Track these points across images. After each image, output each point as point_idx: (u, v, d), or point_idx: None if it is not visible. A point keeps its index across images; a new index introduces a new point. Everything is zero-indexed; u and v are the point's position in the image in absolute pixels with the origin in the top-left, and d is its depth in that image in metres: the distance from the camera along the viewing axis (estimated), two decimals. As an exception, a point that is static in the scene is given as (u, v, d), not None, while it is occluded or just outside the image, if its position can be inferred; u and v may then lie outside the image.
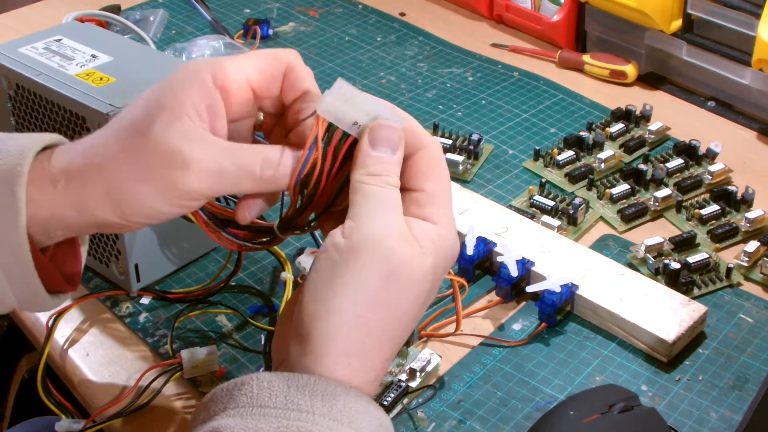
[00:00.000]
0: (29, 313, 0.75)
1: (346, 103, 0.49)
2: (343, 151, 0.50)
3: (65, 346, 0.71)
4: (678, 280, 0.74)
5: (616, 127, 0.94)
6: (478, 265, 0.76)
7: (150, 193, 0.48)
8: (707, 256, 0.77)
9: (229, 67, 0.50)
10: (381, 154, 0.49)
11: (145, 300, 0.75)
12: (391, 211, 0.48)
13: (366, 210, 0.48)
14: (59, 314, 0.71)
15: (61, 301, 0.54)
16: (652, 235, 0.79)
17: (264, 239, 0.56)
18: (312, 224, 0.54)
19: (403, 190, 0.50)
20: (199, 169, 0.48)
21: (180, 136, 0.48)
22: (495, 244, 0.76)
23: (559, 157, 0.89)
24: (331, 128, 0.50)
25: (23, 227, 0.49)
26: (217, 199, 0.61)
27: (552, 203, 0.83)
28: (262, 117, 0.55)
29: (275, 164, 0.49)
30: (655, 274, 0.76)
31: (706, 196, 0.85)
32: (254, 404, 0.44)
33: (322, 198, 0.51)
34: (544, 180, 0.86)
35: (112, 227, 0.51)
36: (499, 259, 0.74)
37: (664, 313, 0.70)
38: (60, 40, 0.76)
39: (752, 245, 0.77)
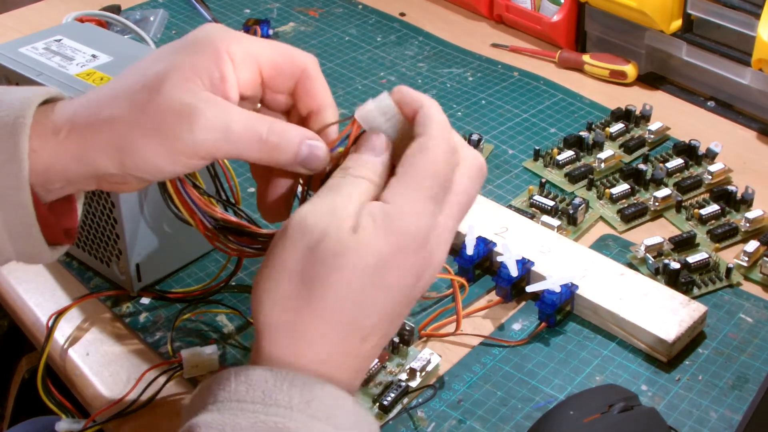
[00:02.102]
0: (29, 312, 0.75)
1: (384, 118, 0.49)
2: None
3: (65, 346, 0.71)
4: (678, 280, 0.75)
5: (616, 127, 0.94)
6: (478, 265, 0.77)
7: (154, 147, 0.48)
8: (707, 256, 0.77)
9: (244, 45, 0.50)
10: (362, 155, 0.49)
11: (146, 300, 0.75)
12: (335, 194, 0.47)
13: (314, 197, 0.47)
14: (59, 314, 0.71)
15: (59, 253, 0.53)
16: (652, 235, 0.79)
17: (259, 246, 0.56)
18: None
19: None
20: (206, 123, 0.47)
21: (190, 93, 0.47)
22: (495, 244, 0.76)
23: (559, 157, 0.90)
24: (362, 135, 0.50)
25: (26, 179, 0.48)
26: (218, 200, 0.61)
27: (552, 203, 0.83)
28: (259, 107, 0.54)
29: (281, 132, 0.49)
30: (655, 274, 0.76)
31: (706, 196, 0.86)
32: (232, 399, 0.44)
33: None
34: (544, 180, 0.86)
35: (111, 180, 0.50)
36: (499, 259, 0.74)
37: (664, 313, 0.70)
38: (60, 40, 0.76)
39: (752, 245, 0.78)
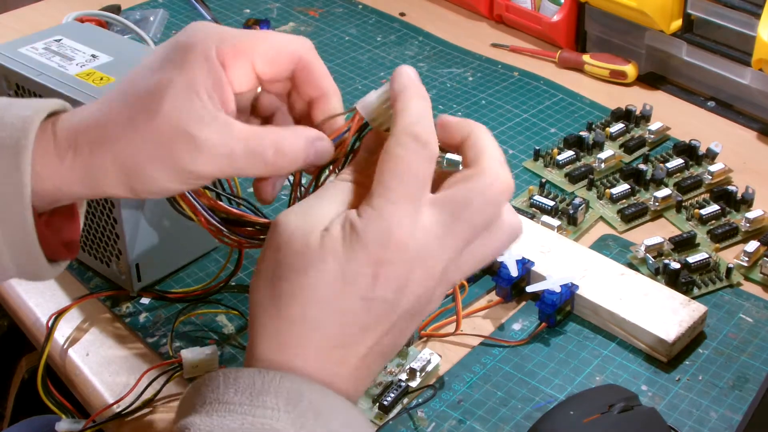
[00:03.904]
0: (29, 312, 0.75)
1: (385, 107, 0.49)
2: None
3: (65, 346, 0.71)
4: (678, 280, 0.74)
5: (616, 127, 0.94)
6: (478, 265, 0.76)
7: (160, 171, 0.48)
8: (707, 256, 0.77)
9: (233, 44, 0.49)
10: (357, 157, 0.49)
11: (145, 300, 0.75)
12: (316, 196, 0.47)
13: (304, 199, 0.48)
14: (59, 314, 0.71)
15: (61, 269, 0.53)
16: (652, 235, 0.79)
17: (264, 236, 0.56)
18: None
19: None
20: (210, 152, 0.47)
21: (190, 116, 0.47)
22: (495, 244, 0.76)
23: (559, 157, 0.89)
24: (364, 126, 0.50)
25: (28, 201, 0.48)
26: (219, 198, 0.61)
27: (552, 203, 0.83)
28: (260, 90, 0.54)
29: (287, 149, 0.49)
30: (655, 274, 0.76)
31: (706, 196, 0.86)
32: (220, 400, 0.44)
33: None
34: (544, 180, 0.86)
35: (121, 197, 0.50)
36: (499, 259, 0.74)
37: (664, 313, 0.70)
38: (60, 40, 0.76)
39: (752, 245, 0.77)
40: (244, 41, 0.50)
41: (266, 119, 0.54)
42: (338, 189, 0.47)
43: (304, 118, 0.54)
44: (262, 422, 0.43)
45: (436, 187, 0.47)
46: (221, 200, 0.58)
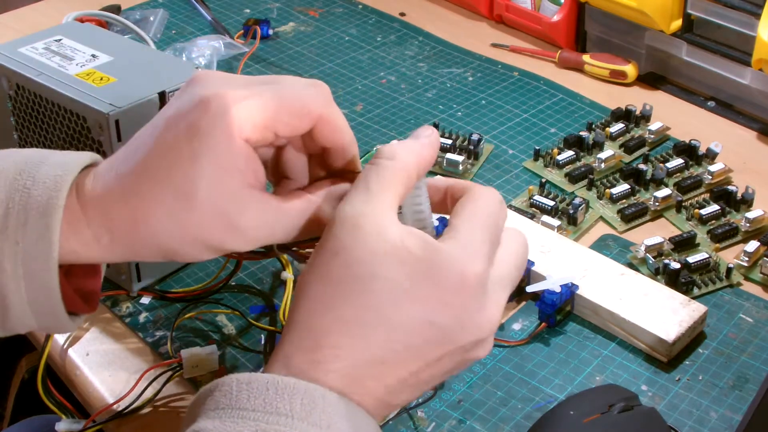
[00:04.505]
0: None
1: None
2: None
3: (65, 346, 0.71)
4: (678, 280, 0.74)
5: (616, 127, 0.94)
6: (478, 265, 0.76)
7: (198, 250, 0.48)
8: (707, 256, 0.77)
9: (251, 115, 0.47)
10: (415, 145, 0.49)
11: (145, 300, 0.75)
12: (381, 194, 0.46)
13: (362, 191, 0.47)
14: (59, 314, 0.71)
15: (80, 321, 0.53)
16: (652, 235, 0.79)
17: (260, 251, 0.56)
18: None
19: None
20: (251, 235, 0.48)
21: (229, 201, 0.47)
22: (495, 244, 0.76)
23: (559, 157, 0.89)
24: None
25: (55, 262, 0.48)
26: None
27: (552, 203, 0.83)
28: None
29: (321, 221, 0.49)
30: (655, 274, 0.76)
31: (706, 196, 0.86)
32: (233, 406, 0.43)
33: None
34: (544, 180, 0.86)
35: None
36: (499, 259, 0.74)
37: (664, 313, 0.70)
38: (60, 40, 0.76)
39: (752, 245, 0.77)
40: (262, 111, 0.47)
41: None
42: (397, 177, 0.47)
43: (316, 157, 0.53)
44: (276, 429, 0.42)
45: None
46: None
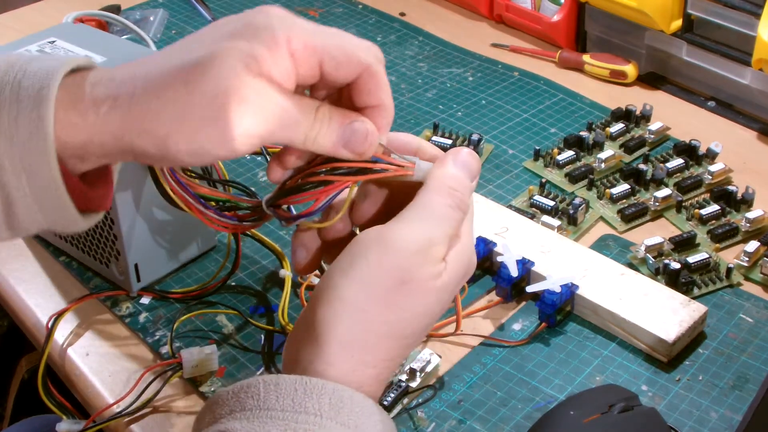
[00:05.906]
0: (29, 313, 0.75)
1: None
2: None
3: (65, 346, 0.71)
4: (678, 280, 0.74)
5: (616, 127, 0.94)
6: (478, 265, 0.76)
7: (207, 133, 0.46)
8: (707, 256, 0.77)
9: (307, 38, 0.47)
10: (459, 173, 0.51)
11: (145, 300, 0.75)
12: (435, 226, 0.48)
13: (412, 216, 0.48)
14: (59, 315, 0.71)
15: (93, 221, 0.51)
16: (652, 235, 0.79)
17: (253, 217, 0.56)
18: (301, 218, 0.54)
19: None
20: (261, 115, 0.46)
21: (247, 85, 0.45)
22: (495, 244, 0.76)
23: (559, 157, 0.89)
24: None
25: (53, 151, 0.46)
26: (210, 184, 0.61)
27: (552, 203, 0.83)
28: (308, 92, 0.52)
29: (333, 120, 0.49)
30: (655, 274, 0.76)
31: (706, 196, 0.85)
32: (261, 407, 0.44)
33: (322, 194, 0.51)
34: (544, 180, 0.86)
35: (149, 159, 0.48)
36: (499, 259, 0.74)
37: (664, 313, 0.70)
38: (53, 41, 0.76)
39: (752, 245, 0.77)
40: (318, 38, 0.47)
41: None
42: (442, 216, 0.49)
43: None
44: (305, 428, 0.43)
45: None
46: (210, 185, 0.58)
